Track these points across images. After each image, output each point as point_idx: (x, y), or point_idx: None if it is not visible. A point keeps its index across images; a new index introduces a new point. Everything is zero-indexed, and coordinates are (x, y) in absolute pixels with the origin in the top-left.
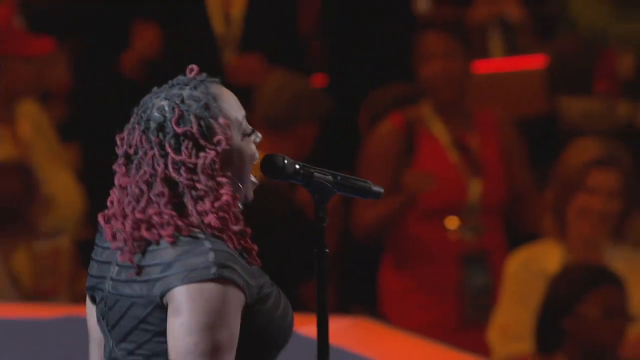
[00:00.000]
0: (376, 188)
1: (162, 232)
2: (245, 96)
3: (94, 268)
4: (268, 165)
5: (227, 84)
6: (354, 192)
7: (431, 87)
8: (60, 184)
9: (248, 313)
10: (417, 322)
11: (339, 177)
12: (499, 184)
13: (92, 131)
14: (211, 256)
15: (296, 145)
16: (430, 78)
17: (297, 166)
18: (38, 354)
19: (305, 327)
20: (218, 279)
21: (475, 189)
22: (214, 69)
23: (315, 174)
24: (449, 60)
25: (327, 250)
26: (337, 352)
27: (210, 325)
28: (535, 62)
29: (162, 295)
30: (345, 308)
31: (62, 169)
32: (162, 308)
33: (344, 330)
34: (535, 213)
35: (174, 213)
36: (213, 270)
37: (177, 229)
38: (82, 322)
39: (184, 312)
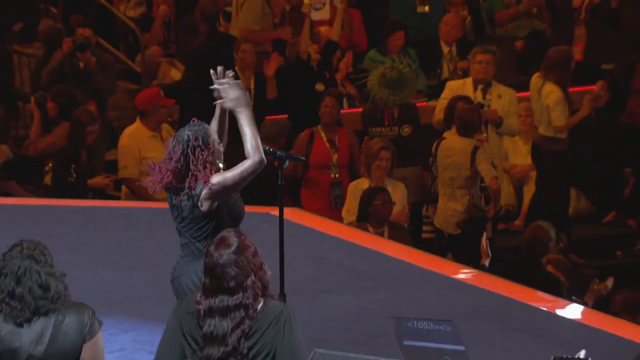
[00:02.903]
0: (302, 157)
1: (179, 183)
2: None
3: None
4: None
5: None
6: (293, 159)
7: (322, 117)
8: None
9: (226, 202)
10: (313, 208)
11: (286, 153)
12: (345, 156)
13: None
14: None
15: (279, 145)
16: (322, 116)
17: (267, 147)
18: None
19: (274, 211)
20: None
21: (335, 157)
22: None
23: (278, 152)
24: (331, 109)
25: (281, 183)
26: (287, 222)
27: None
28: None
29: (198, 201)
30: (288, 204)
31: None
32: (196, 207)
33: (288, 213)
34: (358, 168)
35: (186, 176)
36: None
37: (187, 182)
38: None
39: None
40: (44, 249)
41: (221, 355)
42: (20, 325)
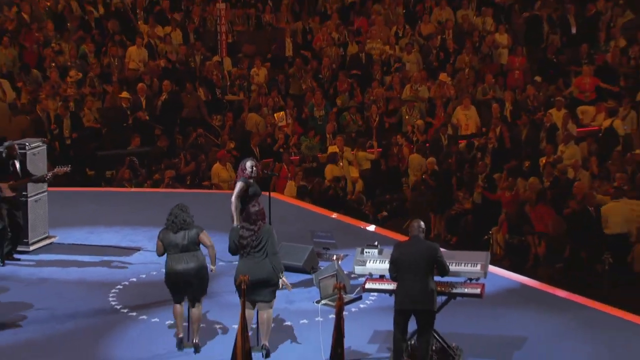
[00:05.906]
0: (276, 174)
1: (243, 176)
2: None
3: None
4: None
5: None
6: (273, 174)
7: (283, 160)
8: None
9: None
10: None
11: (271, 172)
12: (292, 174)
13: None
14: (245, 181)
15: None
16: (283, 160)
17: (266, 171)
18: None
19: (265, 194)
20: (247, 180)
21: (288, 174)
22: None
23: (270, 172)
24: (286, 159)
25: (261, 190)
26: (272, 198)
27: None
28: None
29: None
30: (272, 191)
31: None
32: (248, 184)
33: (273, 194)
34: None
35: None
36: (247, 180)
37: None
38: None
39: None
40: (187, 207)
41: (242, 243)
42: (176, 232)
